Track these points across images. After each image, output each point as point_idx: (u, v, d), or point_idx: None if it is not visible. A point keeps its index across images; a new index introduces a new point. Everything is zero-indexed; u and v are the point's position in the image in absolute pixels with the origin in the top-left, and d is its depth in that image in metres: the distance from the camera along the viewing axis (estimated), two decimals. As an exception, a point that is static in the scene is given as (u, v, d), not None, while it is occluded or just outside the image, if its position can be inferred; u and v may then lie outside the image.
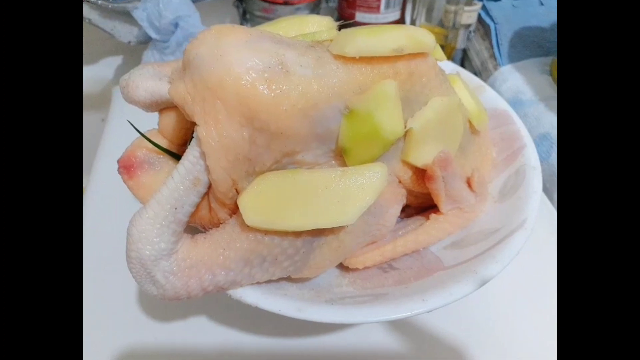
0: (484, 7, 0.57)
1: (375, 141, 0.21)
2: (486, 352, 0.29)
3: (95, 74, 0.50)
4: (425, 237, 0.27)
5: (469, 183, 0.28)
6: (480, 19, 0.57)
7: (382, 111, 0.21)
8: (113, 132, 0.43)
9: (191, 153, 0.20)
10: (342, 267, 0.28)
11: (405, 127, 0.23)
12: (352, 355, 0.29)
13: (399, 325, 0.30)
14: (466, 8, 0.54)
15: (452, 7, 0.55)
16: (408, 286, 0.25)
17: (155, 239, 0.20)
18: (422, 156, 0.24)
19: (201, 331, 0.30)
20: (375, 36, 0.21)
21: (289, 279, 0.25)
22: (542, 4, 0.59)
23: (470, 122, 0.28)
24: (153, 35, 0.42)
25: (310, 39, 0.22)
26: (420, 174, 0.25)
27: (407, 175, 0.25)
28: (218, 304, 0.31)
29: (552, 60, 0.53)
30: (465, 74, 0.36)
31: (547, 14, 0.57)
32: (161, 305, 0.31)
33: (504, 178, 0.31)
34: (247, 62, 0.19)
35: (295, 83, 0.19)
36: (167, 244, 0.21)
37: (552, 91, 0.50)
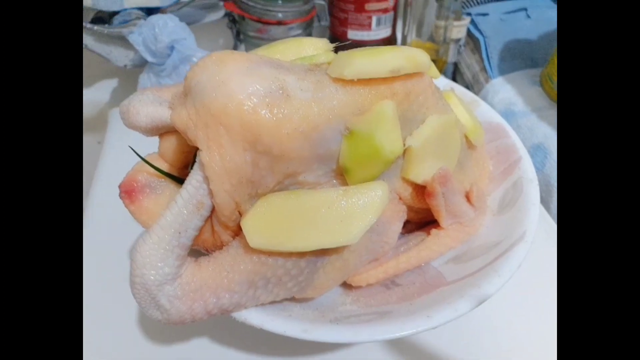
0: (472, 22, 0.58)
1: (375, 160, 0.22)
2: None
3: (91, 97, 0.51)
4: (427, 252, 0.27)
5: (467, 197, 0.29)
6: (469, 33, 0.58)
7: (381, 131, 0.21)
8: (110, 155, 0.43)
9: (194, 177, 0.21)
10: (345, 285, 0.28)
11: (404, 145, 0.23)
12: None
13: (399, 341, 0.30)
14: (455, 23, 0.55)
15: (442, 23, 0.56)
16: (412, 303, 0.25)
17: (159, 264, 0.20)
18: (422, 173, 0.24)
19: (202, 352, 0.30)
20: (373, 58, 0.21)
21: (292, 299, 0.25)
22: (529, 17, 0.60)
23: (466, 137, 0.29)
24: (149, 58, 0.42)
25: (309, 62, 0.23)
26: (420, 190, 0.26)
27: (407, 192, 0.25)
28: (220, 325, 0.31)
29: (541, 71, 0.54)
30: (459, 89, 0.37)
31: (534, 27, 0.59)
32: (163, 329, 0.30)
33: (502, 191, 0.31)
34: (249, 88, 0.19)
35: (297, 107, 0.20)
36: (172, 269, 0.21)
37: (543, 102, 0.51)
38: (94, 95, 0.51)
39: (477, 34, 0.58)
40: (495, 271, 0.25)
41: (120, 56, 0.43)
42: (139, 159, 0.26)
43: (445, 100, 0.27)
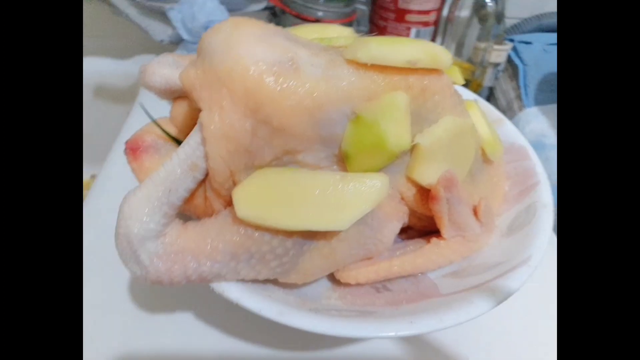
0: (514, 48, 0.57)
1: (378, 151, 0.21)
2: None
3: (125, 69, 0.52)
4: (423, 260, 0.26)
5: (475, 212, 0.27)
6: (509, 60, 0.57)
7: (389, 121, 0.21)
8: (133, 125, 0.44)
9: (193, 138, 0.21)
10: (333, 280, 0.27)
11: (413, 141, 0.22)
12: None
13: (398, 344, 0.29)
14: (496, 47, 0.54)
15: (482, 45, 0.55)
16: (398, 308, 0.24)
17: (145, 219, 0.20)
18: (428, 175, 0.23)
19: (199, 337, 0.29)
20: (390, 45, 0.21)
21: (276, 282, 0.24)
22: (574, 51, 0.58)
23: (483, 150, 0.28)
24: (185, 36, 0.43)
25: (327, 43, 0.22)
26: (425, 193, 0.25)
27: (410, 192, 0.24)
28: (217, 309, 0.30)
29: (579, 107, 0.52)
30: (484, 103, 0.36)
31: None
32: (160, 306, 0.30)
33: (514, 213, 0.30)
34: (258, 54, 0.19)
35: (304, 80, 0.19)
36: (157, 226, 0.21)
37: (576, 138, 0.49)
38: (129, 67, 0.52)
39: (517, 61, 0.56)
40: (491, 290, 0.24)
41: (158, 30, 0.45)
42: (150, 120, 0.27)
43: (465, 106, 0.26)
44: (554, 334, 0.30)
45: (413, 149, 0.23)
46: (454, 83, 0.26)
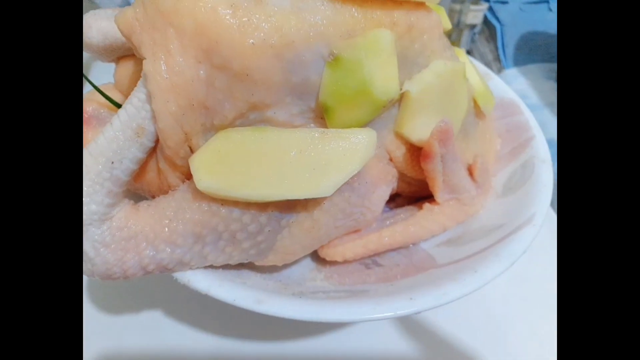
0: (490, 9, 0.54)
1: (363, 99, 0.18)
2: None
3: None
4: (416, 228, 0.23)
5: (470, 171, 0.25)
6: (486, 21, 0.55)
7: (373, 62, 0.17)
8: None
9: (136, 95, 0.17)
10: (318, 259, 0.24)
11: (401, 89, 0.19)
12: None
13: (393, 328, 0.26)
14: (472, 7, 0.51)
15: (458, 6, 0.52)
16: (394, 284, 0.21)
17: (84, 199, 0.16)
18: (419, 128, 0.20)
19: (193, 338, 0.26)
20: (371, -28, 0.17)
21: (252, 266, 0.21)
22: (550, 9, 0.56)
23: (475, 102, 0.25)
24: None
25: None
26: (416, 152, 0.22)
27: (399, 151, 0.21)
28: (211, 308, 0.26)
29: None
30: (470, 58, 0.33)
31: (555, 20, 0.55)
32: (153, 305, 0.26)
33: (508, 172, 0.27)
34: (210, -18, 0.15)
35: (268, 13, 0.16)
36: (99, 207, 0.17)
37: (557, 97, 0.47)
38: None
39: (494, 22, 0.54)
40: (495, 255, 0.21)
41: (104, -1, 0.40)
42: (91, 88, 0.22)
43: (454, 50, 0.23)
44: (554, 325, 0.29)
45: (401, 98, 0.20)
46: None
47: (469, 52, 0.56)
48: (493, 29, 0.54)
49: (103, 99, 0.22)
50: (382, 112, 0.19)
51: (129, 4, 0.39)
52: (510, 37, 0.53)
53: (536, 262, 0.29)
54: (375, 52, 0.17)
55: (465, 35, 0.54)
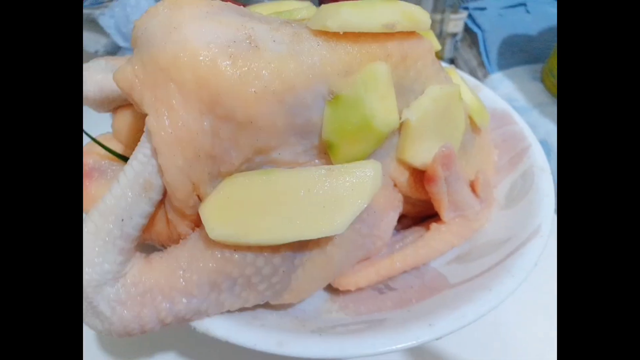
0: (469, 16, 0.55)
1: (365, 133, 0.18)
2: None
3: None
4: (426, 250, 0.23)
5: (472, 187, 0.25)
6: (466, 28, 0.56)
7: (373, 97, 0.18)
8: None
9: (141, 151, 0.17)
10: (331, 289, 0.24)
11: (401, 118, 0.19)
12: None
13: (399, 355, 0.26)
14: (452, 16, 0.52)
15: (438, 16, 0.53)
16: (410, 309, 0.21)
17: (96, 259, 0.16)
18: (421, 154, 0.21)
19: None
20: (363, 9, 0.17)
21: (267, 305, 0.21)
22: (528, 12, 0.58)
23: (471, 119, 0.25)
24: (121, 43, 0.39)
25: (286, 17, 0.19)
26: (419, 176, 0.22)
27: (403, 177, 0.21)
28: (192, 336, 0.26)
29: (542, 66, 0.51)
30: (460, 72, 0.33)
31: (533, 22, 0.56)
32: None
33: (509, 183, 0.27)
34: (207, 36, 0.15)
35: (267, 60, 0.16)
36: (113, 265, 0.17)
37: (544, 97, 0.48)
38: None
39: (474, 28, 0.55)
40: (507, 271, 0.21)
41: (90, 41, 0.40)
42: (90, 140, 0.22)
43: (446, 72, 0.23)
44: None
45: (401, 126, 0.20)
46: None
47: (452, 61, 0.57)
48: (474, 36, 0.55)
49: (102, 150, 0.22)
50: (384, 142, 0.19)
51: (115, 45, 0.40)
52: (492, 42, 0.54)
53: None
54: (374, 86, 0.18)
55: (448, 44, 0.55)
